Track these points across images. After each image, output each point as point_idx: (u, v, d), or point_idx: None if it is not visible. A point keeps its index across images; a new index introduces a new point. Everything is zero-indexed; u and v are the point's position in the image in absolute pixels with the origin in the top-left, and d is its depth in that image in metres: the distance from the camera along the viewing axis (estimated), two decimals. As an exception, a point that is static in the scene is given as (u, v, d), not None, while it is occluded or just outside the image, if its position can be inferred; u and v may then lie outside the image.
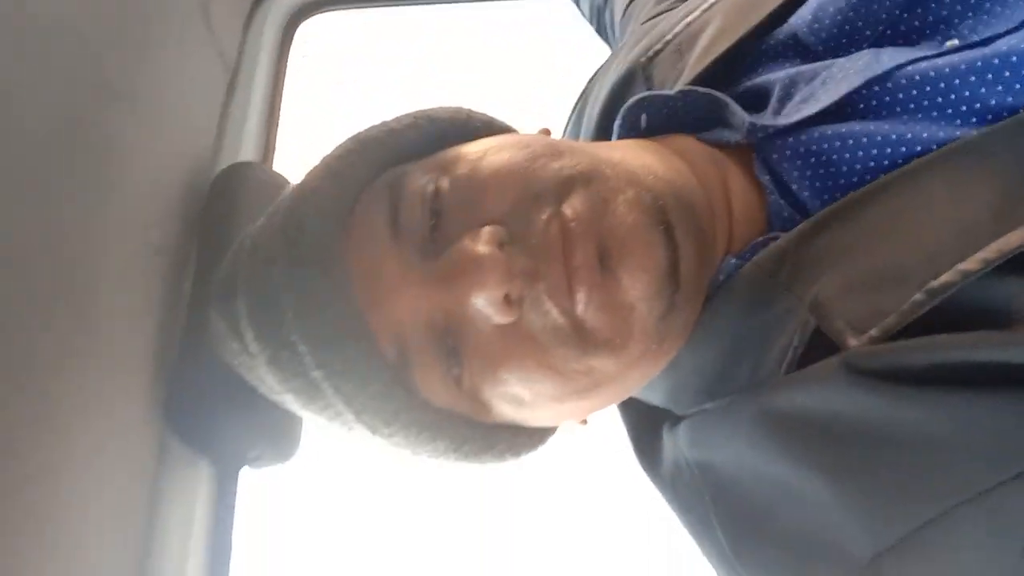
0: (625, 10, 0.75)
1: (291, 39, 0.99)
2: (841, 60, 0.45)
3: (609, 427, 0.56)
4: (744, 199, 0.47)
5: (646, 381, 0.47)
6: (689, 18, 0.55)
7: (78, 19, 0.52)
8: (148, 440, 0.57)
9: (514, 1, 1.20)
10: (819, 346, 0.38)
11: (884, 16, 0.45)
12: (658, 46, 0.55)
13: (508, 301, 0.40)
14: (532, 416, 0.46)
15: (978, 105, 0.39)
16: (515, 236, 0.41)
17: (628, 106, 0.52)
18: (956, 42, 0.41)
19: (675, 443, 0.46)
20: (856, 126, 0.41)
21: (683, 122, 0.51)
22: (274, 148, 0.88)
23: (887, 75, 0.41)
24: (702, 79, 0.50)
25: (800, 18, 0.49)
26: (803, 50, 0.48)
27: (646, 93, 0.51)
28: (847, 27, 0.46)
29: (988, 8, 0.42)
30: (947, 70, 0.39)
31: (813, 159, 0.43)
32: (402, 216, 0.43)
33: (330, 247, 0.43)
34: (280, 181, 0.75)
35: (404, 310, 0.42)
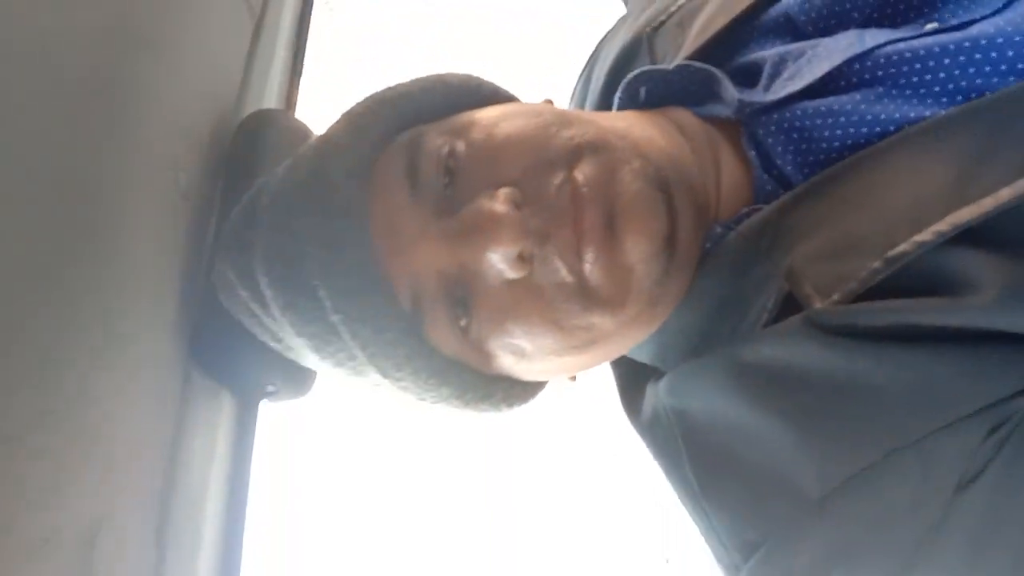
0: None
1: (316, -12, 1.00)
2: (827, 40, 0.47)
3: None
4: (732, 172, 0.50)
5: (637, 342, 0.51)
6: None
7: (109, -33, 0.53)
8: (174, 371, 0.61)
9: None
10: (791, 309, 0.41)
11: (871, 0, 0.47)
12: (662, 17, 0.58)
13: (521, 258, 0.43)
14: (530, 368, 0.49)
15: (951, 86, 0.41)
16: (528, 198, 0.44)
17: (628, 80, 0.54)
18: (935, 25, 0.43)
19: (656, 393, 0.49)
20: (835, 102, 0.44)
21: (679, 95, 0.53)
22: (297, 97, 0.90)
23: (867, 54, 0.44)
24: (700, 54, 0.53)
25: None
26: (794, 28, 0.51)
27: (646, 68, 0.54)
28: (836, 8, 0.49)
29: None
30: (922, 52, 0.42)
31: (796, 135, 0.45)
32: (420, 173, 0.46)
33: (353, 198, 0.46)
34: (303, 129, 0.76)
35: (421, 262, 0.45)
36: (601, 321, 0.45)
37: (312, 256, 0.45)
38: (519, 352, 0.47)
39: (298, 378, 0.65)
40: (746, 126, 0.49)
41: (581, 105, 0.66)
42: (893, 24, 0.47)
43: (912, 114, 0.41)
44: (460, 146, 0.46)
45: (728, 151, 0.50)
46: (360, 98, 0.52)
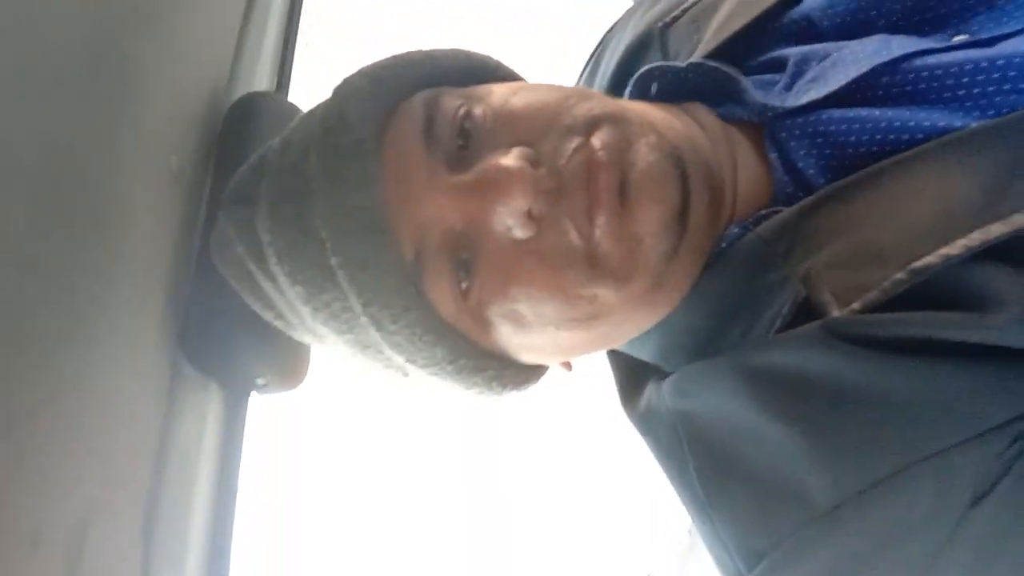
0: None
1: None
2: (853, 43, 0.46)
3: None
4: (750, 173, 0.49)
5: (637, 330, 0.50)
6: None
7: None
8: (162, 362, 0.59)
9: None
10: (806, 315, 0.40)
11: (898, 8, 0.46)
12: (675, 12, 0.57)
13: (530, 215, 0.42)
14: (528, 342, 0.48)
15: (984, 101, 0.40)
16: (543, 160, 0.43)
17: (641, 74, 0.53)
18: (965, 37, 0.43)
19: (659, 393, 0.48)
20: (863, 111, 0.43)
21: (693, 94, 0.52)
22: (289, 80, 0.88)
23: (894, 63, 0.43)
24: (716, 53, 0.51)
25: (815, 0, 0.50)
26: (815, 33, 0.50)
27: (658, 64, 0.53)
28: (860, 15, 0.48)
29: (1001, 6, 0.43)
30: (954, 68, 0.41)
31: (820, 139, 0.44)
32: (436, 129, 0.45)
33: (366, 141, 0.45)
34: (294, 111, 0.75)
35: (428, 213, 0.44)
36: (605, 294, 0.44)
37: (318, 193, 0.44)
38: (518, 320, 0.45)
39: (289, 371, 0.64)
40: (768, 129, 0.48)
41: None
42: (919, 32, 0.46)
43: (942, 123, 0.40)
44: (478, 109, 0.45)
45: (746, 151, 0.49)
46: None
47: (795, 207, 0.43)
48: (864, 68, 0.43)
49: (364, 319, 0.45)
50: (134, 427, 0.55)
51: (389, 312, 0.45)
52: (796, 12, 0.51)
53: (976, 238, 0.36)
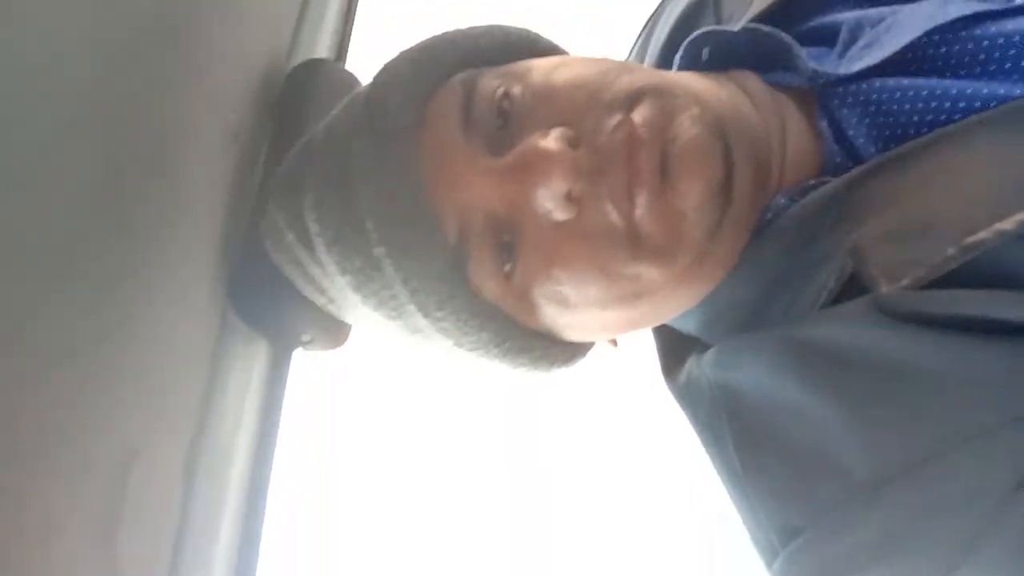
0: None
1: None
2: (907, 7, 0.44)
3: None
4: (799, 141, 0.48)
5: (682, 307, 0.49)
6: None
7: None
8: (212, 313, 0.61)
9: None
10: (852, 289, 0.40)
11: None
12: None
13: (570, 198, 0.42)
14: (573, 321, 0.48)
15: None
16: (583, 139, 0.42)
17: (692, 39, 0.52)
18: None
19: (699, 366, 0.48)
20: (919, 80, 0.42)
21: (745, 59, 0.51)
22: (348, 48, 0.89)
23: (950, 28, 0.41)
24: (768, 15, 0.50)
25: None
26: None
27: (711, 28, 0.52)
28: None
29: None
30: (1016, 37, 0.39)
31: (873, 108, 0.43)
32: (475, 111, 0.45)
33: (408, 127, 0.45)
34: (352, 81, 0.76)
35: (470, 196, 0.44)
36: (648, 272, 0.43)
37: (361, 181, 0.45)
38: (562, 301, 0.45)
39: (334, 330, 0.65)
40: (820, 97, 0.46)
41: (639, 63, 0.65)
42: None
43: (1001, 91, 0.39)
44: (516, 89, 0.45)
45: (795, 119, 0.48)
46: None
47: (844, 177, 0.42)
48: (919, 31, 0.42)
49: (411, 307, 0.46)
50: (182, 372, 0.57)
51: (435, 299, 0.45)
52: None
53: None
